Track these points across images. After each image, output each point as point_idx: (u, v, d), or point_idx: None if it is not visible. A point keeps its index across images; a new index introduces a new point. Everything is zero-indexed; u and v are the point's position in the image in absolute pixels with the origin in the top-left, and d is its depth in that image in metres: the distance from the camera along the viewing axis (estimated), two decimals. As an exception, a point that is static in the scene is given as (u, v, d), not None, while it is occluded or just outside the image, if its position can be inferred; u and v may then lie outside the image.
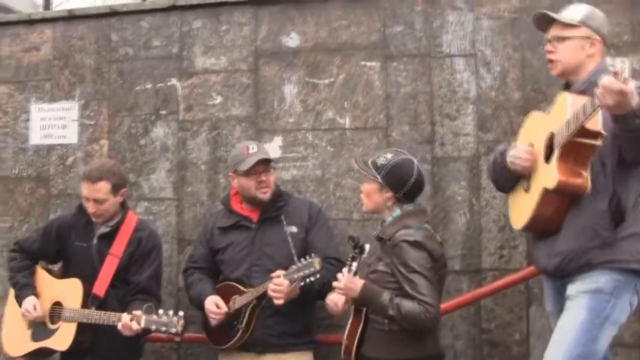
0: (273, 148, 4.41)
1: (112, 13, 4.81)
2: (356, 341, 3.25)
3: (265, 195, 3.86)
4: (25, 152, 4.91)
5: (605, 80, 2.54)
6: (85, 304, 3.77)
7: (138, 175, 4.67)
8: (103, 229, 3.91)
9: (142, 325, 3.55)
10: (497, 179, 3.32)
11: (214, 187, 4.55)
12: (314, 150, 4.40)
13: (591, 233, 2.92)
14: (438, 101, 4.25)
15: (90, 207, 3.84)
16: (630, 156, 2.87)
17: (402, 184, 3.25)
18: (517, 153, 3.12)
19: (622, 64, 3.49)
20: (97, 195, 3.80)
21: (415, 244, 3.14)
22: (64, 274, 4.01)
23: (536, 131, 3.13)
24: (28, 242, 4.04)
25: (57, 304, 3.87)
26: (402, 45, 4.32)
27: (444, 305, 3.81)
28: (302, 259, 3.53)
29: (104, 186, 3.80)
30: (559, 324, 3.01)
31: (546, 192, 2.96)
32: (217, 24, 4.62)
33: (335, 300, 3.38)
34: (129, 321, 3.58)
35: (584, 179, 2.87)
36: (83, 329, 3.74)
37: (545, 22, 3.16)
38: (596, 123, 2.78)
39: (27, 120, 4.92)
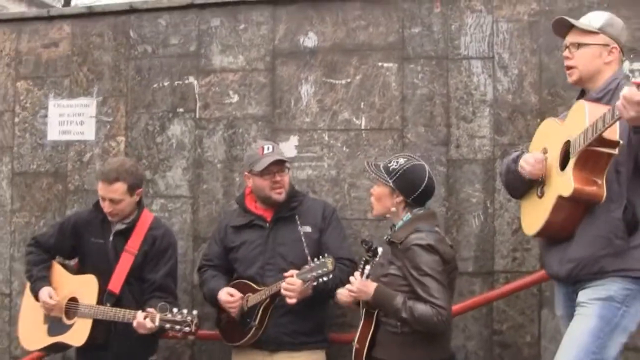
0: (289, 147, 4.44)
1: (131, 10, 4.83)
2: (367, 344, 3.27)
3: (279, 195, 3.89)
4: (43, 148, 4.96)
5: (627, 91, 2.53)
6: (100, 301, 3.81)
7: (154, 173, 4.71)
8: (119, 226, 3.95)
9: (157, 323, 3.59)
10: (510, 185, 3.31)
11: (229, 186, 4.58)
12: (329, 151, 4.42)
13: (605, 241, 2.92)
14: (454, 103, 4.25)
15: (107, 207, 3.88)
16: None
17: (413, 189, 3.28)
18: (527, 159, 3.11)
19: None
20: (113, 195, 3.84)
21: (428, 248, 3.16)
22: (80, 270, 4.06)
23: (550, 138, 3.13)
24: (45, 238, 4.10)
25: (73, 300, 3.92)
26: (419, 46, 4.32)
27: (456, 307, 3.84)
28: (316, 259, 3.57)
29: (120, 187, 3.83)
30: (569, 330, 3.02)
31: (561, 200, 2.95)
32: (235, 23, 4.64)
33: (344, 292, 3.41)
34: (143, 319, 3.62)
35: (600, 187, 2.87)
36: (98, 325, 3.79)
37: (564, 28, 3.16)
38: (614, 132, 2.77)
39: (46, 116, 4.97)
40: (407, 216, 3.30)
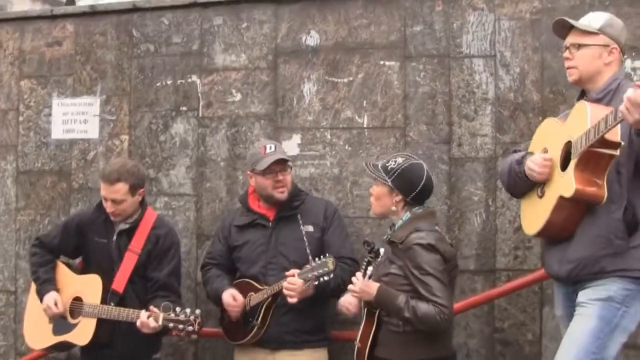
0: (291, 146, 4.45)
1: (134, 9, 4.84)
2: (369, 343, 3.29)
3: (282, 195, 3.90)
4: (48, 146, 4.99)
5: (632, 94, 2.53)
6: (104, 300, 3.85)
7: (158, 171, 4.73)
8: (122, 226, 3.98)
9: (160, 323, 3.62)
10: (512, 185, 3.31)
11: (232, 184, 4.60)
12: (331, 149, 4.43)
13: (605, 241, 2.93)
14: (456, 102, 4.25)
15: (109, 207, 3.90)
16: None
17: (412, 187, 3.29)
18: (535, 161, 3.11)
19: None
20: (115, 195, 3.86)
21: (429, 247, 3.18)
22: (84, 270, 4.09)
23: (551, 138, 3.14)
24: (48, 238, 4.13)
25: (77, 299, 3.95)
26: (421, 45, 4.32)
27: (458, 305, 3.86)
28: (317, 259, 3.60)
29: (122, 187, 3.85)
30: (568, 330, 3.03)
31: (562, 200, 2.96)
32: (237, 22, 4.65)
33: (348, 303, 3.43)
34: (146, 319, 3.65)
35: (601, 188, 2.88)
36: (102, 324, 3.83)
37: (564, 29, 3.16)
38: (616, 134, 2.78)
39: (49, 114, 4.99)
40: (406, 215, 3.32)
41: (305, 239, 3.81)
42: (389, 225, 3.44)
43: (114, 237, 3.98)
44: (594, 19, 3.09)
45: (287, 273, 3.68)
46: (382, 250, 3.31)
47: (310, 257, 3.66)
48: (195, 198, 4.67)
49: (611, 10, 3.86)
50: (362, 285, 3.26)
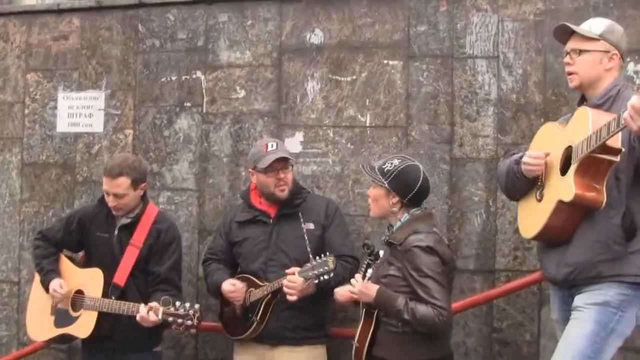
0: (294, 143, 4.48)
1: (140, 4, 4.86)
2: (367, 343, 3.32)
3: (283, 193, 3.93)
4: (53, 139, 5.02)
5: (636, 101, 2.54)
6: (105, 293, 3.88)
7: (161, 166, 4.76)
8: (124, 220, 4.01)
9: (160, 317, 3.66)
10: (510, 186, 3.31)
11: (235, 180, 4.62)
12: (334, 147, 4.45)
13: (603, 246, 2.95)
14: (458, 102, 4.26)
15: (111, 201, 3.93)
16: None
17: (408, 189, 3.31)
18: (530, 155, 3.14)
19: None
20: (117, 190, 3.89)
21: (427, 249, 3.19)
22: (86, 263, 4.13)
23: (551, 142, 3.15)
24: (51, 232, 4.17)
25: (79, 292, 3.98)
26: (424, 45, 4.33)
27: (457, 304, 3.88)
28: (317, 258, 3.62)
29: (123, 181, 3.88)
30: (564, 334, 3.05)
31: (561, 204, 2.97)
32: (242, 19, 4.67)
33: (340, 295, 3.48)
34: (146, 313, 3.68)
35: (600, 193, 2.90)
36: (103, 317, 3.86)
37: (565, 34, 3.16)
38: (617, 140, 2.80)
39: (55, 108, 5.02)
40: (404, 217, 3.33)
41: (306, 237, 3.83)
42: (387, 226, 3.46)
43: (116, 232, 4.01)
44: (594, 25, 3.10)
45: (287, 271, 3.71)
46: (381, 253, 3.32)
47: (310, 255, 3.69)
48: (197, 193, 4.70)
49: (615, 13, 3.90)
50: (362, 287, 3.28)
